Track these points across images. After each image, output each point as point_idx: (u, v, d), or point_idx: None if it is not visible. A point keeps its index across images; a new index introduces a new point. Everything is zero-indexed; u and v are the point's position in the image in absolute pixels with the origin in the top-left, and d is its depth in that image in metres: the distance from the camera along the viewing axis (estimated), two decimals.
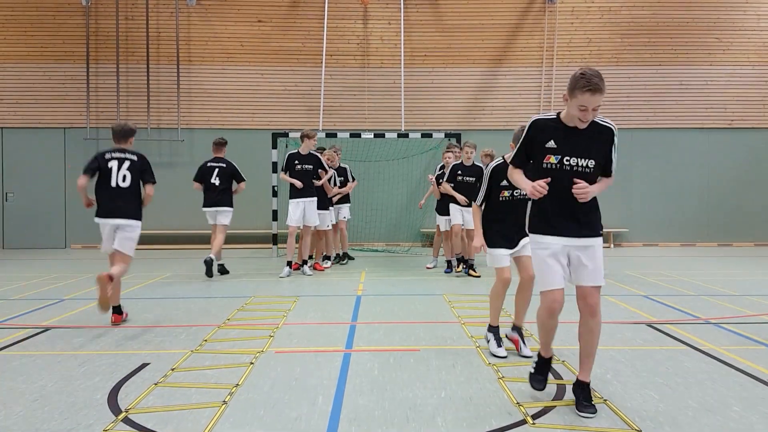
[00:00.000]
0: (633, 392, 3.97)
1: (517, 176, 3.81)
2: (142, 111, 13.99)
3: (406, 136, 13.08)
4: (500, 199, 4.88)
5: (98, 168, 5.97)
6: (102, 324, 6.04)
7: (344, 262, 11.09)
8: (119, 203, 5.90)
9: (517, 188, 4.74)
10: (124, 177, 5.91)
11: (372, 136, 12.90)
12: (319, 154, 9.58)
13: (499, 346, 4.85)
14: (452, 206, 9.21)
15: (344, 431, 3.36)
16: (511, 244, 4.86)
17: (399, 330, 5.73)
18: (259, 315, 6.44)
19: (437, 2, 14.27)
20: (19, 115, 13.94)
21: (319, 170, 9.43)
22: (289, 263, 9.34)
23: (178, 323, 6.08)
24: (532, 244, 3.76)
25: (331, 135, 12.66)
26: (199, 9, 14.11)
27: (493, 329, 4.95)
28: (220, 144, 9.70)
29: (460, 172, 9.03)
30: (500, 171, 4.78)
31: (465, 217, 9.12)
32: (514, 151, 3.87)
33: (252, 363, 4.60)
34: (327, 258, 10.60)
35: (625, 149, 14.13)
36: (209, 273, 9.05)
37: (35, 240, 13.92)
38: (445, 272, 9.59)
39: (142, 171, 6.04)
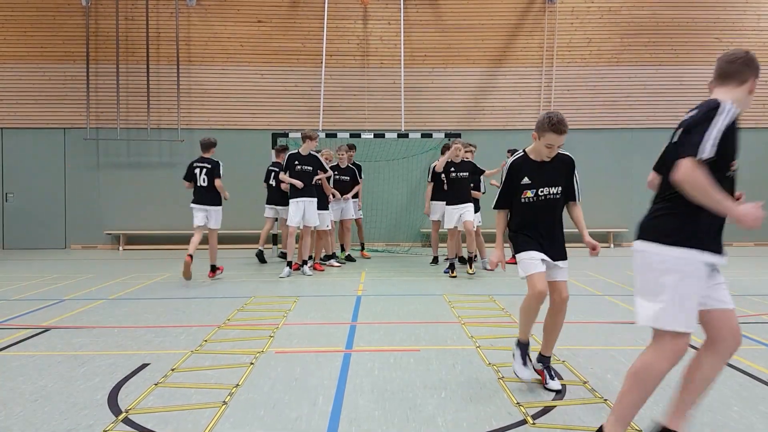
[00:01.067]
0: None
1: (712, 189, 2.54)
2: (142, 111, 13.99)
3: (406, 136, 13.08)
4: (522, 200, 3.90)
5: (190, 172, 8.78)
6: (102, 324, 6.05)
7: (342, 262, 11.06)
8: (203, 196, 8.74)
9: (543, 187, 3.86)
10: (204, 179, 8.71)
11: (372, 136, 12.91)
12: (318, 155, 9.59)
13: (525, 364, 4.00)
14: (447, 207, 9.21)
15: (344, 431, 3.36)
16: (545, 250, 3.87)
17: (399, 330, 5.73)
18: (259, 315, 6.44)
19: (437, 2, 14.27)
20: (19, 115, 13.94)
21: (319, 170, 9.47)
22: (289, 263, 9.35)
23: (178, 323, 6.08)
24: (670, 262, 2.76)
25: (331, 135, 12.66)
26: (199, 9, 14.11)
27: (522, 345, 4.04)
28: (278, 150, 11.38)
29: (453, 169, 9.10)
30: (520, 166, 3.92)
31: (460, 218, 9.14)
32: (710, 139, 2.55)
33: (252, 363, 4.60)
34: (329, 257, 10.59)
35: (625, 149, 14.16)
36: (263, 260, 11.04)
37: (35, 240, 13.91)
38: (444, 272, 9.58)
39: (212, 172, 8.69)
